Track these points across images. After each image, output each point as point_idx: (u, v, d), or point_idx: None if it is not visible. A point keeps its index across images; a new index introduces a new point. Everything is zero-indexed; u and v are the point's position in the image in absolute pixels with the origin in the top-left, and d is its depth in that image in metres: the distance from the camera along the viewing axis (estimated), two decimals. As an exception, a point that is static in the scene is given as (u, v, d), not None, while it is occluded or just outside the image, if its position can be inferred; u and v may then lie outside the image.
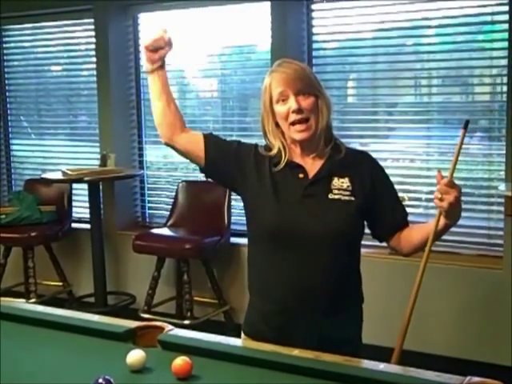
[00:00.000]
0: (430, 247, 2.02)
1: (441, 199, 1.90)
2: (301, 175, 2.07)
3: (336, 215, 2.01)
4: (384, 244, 2.19)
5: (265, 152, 2.12)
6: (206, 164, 2.15)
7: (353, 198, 2.03)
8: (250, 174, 2.11)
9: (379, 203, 2.08)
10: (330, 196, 2.03)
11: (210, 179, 2.28)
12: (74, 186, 5.19)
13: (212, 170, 2.18)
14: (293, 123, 2.03)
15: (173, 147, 2.21)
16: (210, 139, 2.17)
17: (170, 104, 2.17)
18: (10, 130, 5.96)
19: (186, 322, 4.32)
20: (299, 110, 2.01)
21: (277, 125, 2.09)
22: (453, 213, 1.95)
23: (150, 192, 5.37)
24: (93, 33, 5.22)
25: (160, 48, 2.13)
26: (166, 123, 2.18)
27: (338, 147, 2.11)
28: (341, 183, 2.04)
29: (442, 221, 1.98)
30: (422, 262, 2.04)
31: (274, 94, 2.05)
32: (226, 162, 2.13)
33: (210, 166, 2.15)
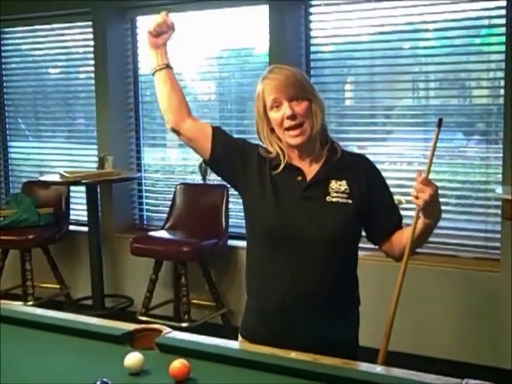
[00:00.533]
0: (411, 245, 2.02)
1: (416, 197, 1.91)
2: (299, 178, 2.08)
3: (333, 217, 2.02)
4: (380, 247, 2.19)
5: (265, 154, 2.13)
6: (211, 157, 2.16)
7: (350, 201, 2.04)
8: (252, 173, 2.12)
9: (375, 206, 2.09)
10: (328, 198, 2.04)
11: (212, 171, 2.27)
12: (72, 188, 5.18)
13: (216, 163, 2.18)
14: (287, 129, 2.04)
15: (179, 133, 2.21)
16: (218, 132, 2.18)
17: (176, 89, 2.20)
18: (7, 132, 5.96)
19: (184, 324, 4.32)
20: (293, 116, 2.02)
21: (272, 130, 2.10)
22: (430, 211, 1.96)
23: (147, 194, 5.38)
24: (91, 35, 5.23)
25: (163, 33, 2.18)
26: (172, 108, 2.19)
27: (335, 149, 2.12)
28: (338, 186, 2.05)
29: (422, 220, 1.99)
30: (404, 260, 2.04)
31: (268, 101, 2.06)
32: (231, 157, 2.14)
33: (215, 160, 2.16)
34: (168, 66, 2.22)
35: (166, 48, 2.23)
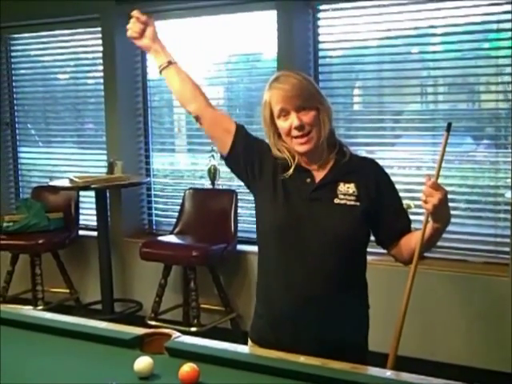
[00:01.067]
0: (420, 250, 2.02)
1: (425, 201, 1.92)
2: (308, 180, 2.10)
3: (341, 219, 2.03)
4: (389, 251, 2.20)
5: (277, 156, 2.14)
6: (230, 152, 2.18)
7: (358, 203, 2.05)
8: (267, 174, 2.13)
9: (383, 209, 2.10)
10: (336, 201, 2.05)
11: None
12: (82, 193, 5.20)
13: (234, 160, 2.20)
14: (295, 137, 2.05)
15: (201, 122, 2.22)
16: (241, 131, 2.20)
17: (186, 80, 2.24)
18: (17, 137, 5.99)
19: (193, 329, 4.32)
20: (301, 127, 2.04)
21: (279, 136, 2.11)
22: (439, 215, 1.96)
23: (156, 199, 5.39)
24: (100, 41, 5.25)
25: (143, 31, 2.24)
26: (188, 98, 2.23)
27: (343, 152, 2.13)
28: (346, 188, 2.06)
29: (431, 224, 1.99)
30: (413, 264, 2.04)
31: (275, 110, 2.08)
32: (249, 158, 2.16)
33: (233, 157, 2.19)
34: (171, 63, 2.24)
35: (161, 44, 2.27)
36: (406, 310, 2.06)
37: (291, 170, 2.09)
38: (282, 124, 2.06)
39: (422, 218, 2.03)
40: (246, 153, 2.16)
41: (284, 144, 2.11)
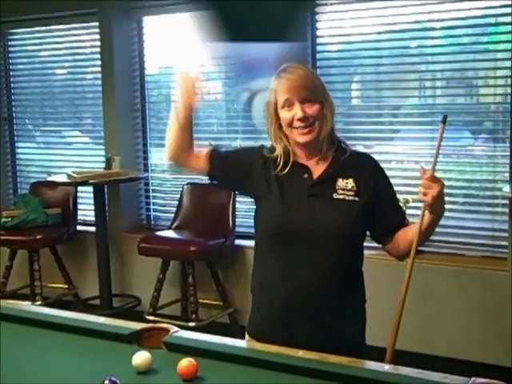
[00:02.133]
0: (418, 241, 2.03)
1: (424, 194, 1.94)
2: (305, 175, 2.09)
3: (340, 214, 2.03)
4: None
5: (269, 154, 2.14)
6: (210, 176, 2.25)
7: (357, 199, 2.05)
8: (258, 177, 2.13)
9: (381, 204, 2.10)
10: (335, 196, 2.05)
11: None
12: (79, 188, 5.20)
13: (218, 180, 2.28)
14: (297, 128, 2.05)
15: (177, 166, 2.29)
16: (213, 155, 2.21)
17: (187, 131, 2.22)
18: (15, 133, 5.98)
19: (191, 324, 4.32)
20: (304, 118, 2.03)
21: (280, 127, 2.11)
22: (437, 206, 1.99)
23: (154, 194, 5.39)
24: (98, 36, 5.24)
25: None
26: (178, 148, 2.23)
27: (342, 149, 2.13)
28: (345, 184, 2.07)
29: (428, 215, 2.01)
30: (411, 256, 2.05)
31: (280, 100, 2.07)
32: (231, 172, 2.20)
33: (215, 178, 2.26)
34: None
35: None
36: (404, 302, 2.06)
37: (287, 169, 2.09)
38: (285, 114, 2.06)
39: (418, 212, 2.03)
40: (224, 169, 2.20)
41: (282, 137, 2.11)
